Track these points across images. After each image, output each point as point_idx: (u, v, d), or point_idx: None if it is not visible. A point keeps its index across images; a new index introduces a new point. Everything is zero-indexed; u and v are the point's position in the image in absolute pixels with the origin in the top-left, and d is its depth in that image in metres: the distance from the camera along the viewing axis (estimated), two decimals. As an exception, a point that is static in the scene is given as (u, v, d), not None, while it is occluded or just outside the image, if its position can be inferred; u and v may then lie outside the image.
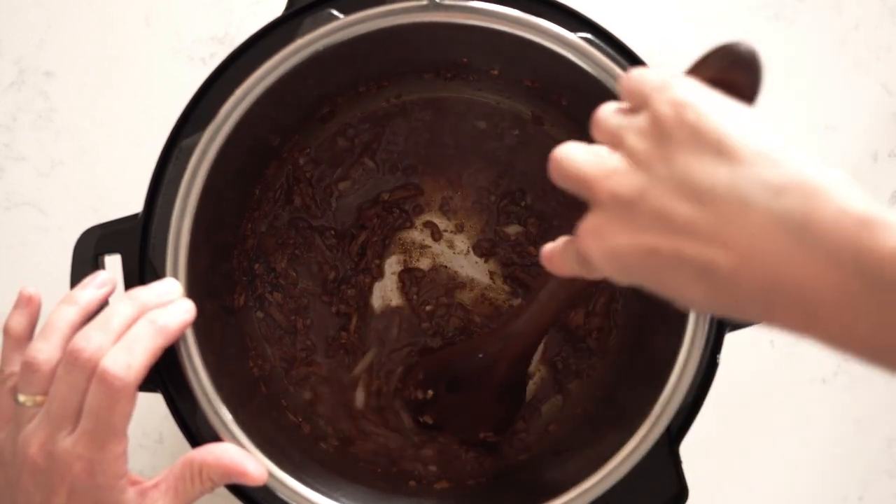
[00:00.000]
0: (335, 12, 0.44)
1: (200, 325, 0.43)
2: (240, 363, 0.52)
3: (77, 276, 0.44)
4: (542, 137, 0.56)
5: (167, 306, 0.40)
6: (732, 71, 0.31)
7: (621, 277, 0.32)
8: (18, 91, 0.62)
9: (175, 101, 0.46)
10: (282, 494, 0.43)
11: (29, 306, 0.41)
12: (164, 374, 0.43)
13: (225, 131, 0.44)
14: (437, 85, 0.55)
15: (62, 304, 0.40)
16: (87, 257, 0.44)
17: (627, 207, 0.30)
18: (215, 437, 0.43)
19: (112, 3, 0.63)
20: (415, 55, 0.50)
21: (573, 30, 0.44)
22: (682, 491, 0.43)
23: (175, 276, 0.43)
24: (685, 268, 0.29)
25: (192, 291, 0.43)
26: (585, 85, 0.44)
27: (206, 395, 0.43)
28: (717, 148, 0.28)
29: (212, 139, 0.43)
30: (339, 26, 0.44)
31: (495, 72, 0.52)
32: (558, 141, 0.54)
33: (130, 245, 0.44)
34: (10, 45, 0.63)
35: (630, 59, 0.45)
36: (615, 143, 0.32)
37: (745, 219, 0.27)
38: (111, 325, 0.38)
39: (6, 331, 0.40)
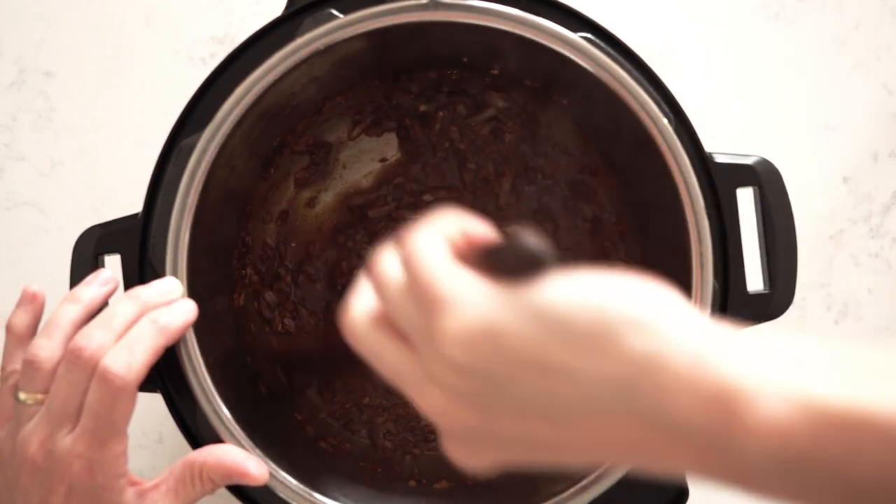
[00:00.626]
0: (335, 12, 0.44)
1: (200, 324, 0.43)
2: (240, 363, 0.52)
3: (77, 275, 0.44)
4: (542, 136, 0.56)
5: (169, 306, 0.40)
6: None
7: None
8: (18, 91, 0.62)
9: (175, 101, 0.46)
10: (282, 494, 0.43)
11: (32, 304, 0.41)
12: (164, 373, 0.43)
13: (224, 131, 0.44)
14: (435, 85, 0.55)
15: (64, 302, 0.40)
16: (87, 257, 0.44)
17: (472, 435, 0.28)
18: (215, 437, 0.43)
19: (112, 3, 0.63)
20: (415, 55, 0.50)
21: (573, 29, 0.44)
22: (682, 491, 0.43)
23: (174, 275, 0.43)
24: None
25: (191, 291, 0.43)
26: (586, 84, 0.44)
27: (205, 394, 0.43)
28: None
29: (211, 139, 0.43)
30: (339, 26, 0.44)
31: (495, 71, 0.52)
32: (557, 141, 0.55)
33: (130, 245, 0.44)
34: (10, 45, 0.63)
35: (630, 59, 0.45)
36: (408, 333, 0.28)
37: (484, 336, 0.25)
38: (112, 324, 0.38)
39: (9, 328, 0.40)
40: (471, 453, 0.29)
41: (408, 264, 0.27)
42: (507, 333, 0.25)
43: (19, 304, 0.41)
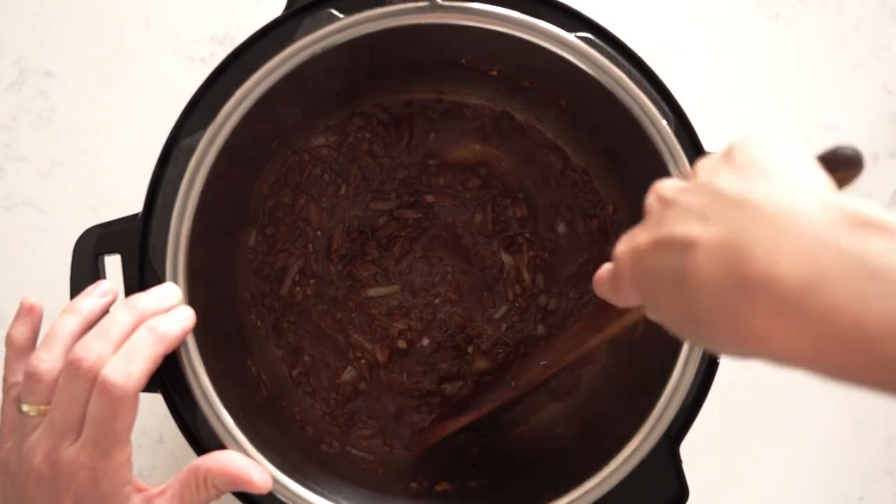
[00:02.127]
0: (335, 12, 0.44)
1: (200, 324, 0.43)
2: (240, 363, 0.52)
3: (77, 276, 0.44)
4: (538, 137, 0.56)
5: (167, 313, 0.40)
6: (836, 163, 0.30)
7: (634, 281, 0.31)
8: (18, 91, 0.62)
9: (175, 101, 0.46)
10: (283, 497, 0.43)
11: (31, 315, 0.41)
12: (165, 374, 0.43)
13: (225, 132, 0.44)
14: (435, 86, 0.55)
15: (64, 313, 0.40)
16: (87, 257, 0.44)
17: (663, 208, 0.30)
18: (215, 438, 0.43)
19: (112, 3, 0.63)
20: (414, 56, 0.50)
21: (574, 30, 0.44)
22: (682, 491, 0.43)
23: (174, 276, 0.43)
24: (675, 252, 0.28)
25: (191, 291, 0.43)
26: (584, 85, 0.44)
27: (205, 395, 0.43)
28: (755, 169, 0.28)
29: (212, 140, 0.43)
30: (339, 28, 0.44)
31: (494, 73, 0.52)
32: (555, 143, 0.55)
33: (130, 245, 0.44)
34: (10, 45, 0.62)
35: (631, 59, 0.45)
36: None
37: (738, 210, 0.26)
38: (111, 333, 0.38)
39: (9, 340, 0.40)
40: (639, 233, 0.30)
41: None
42: (775, 150, 0.28)
43: (18, 317, 0.41)
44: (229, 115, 0.44)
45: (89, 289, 0.41)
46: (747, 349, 0.26)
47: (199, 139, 0.44)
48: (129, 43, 0.62)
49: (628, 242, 0.32)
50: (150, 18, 0.63)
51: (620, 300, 0.35)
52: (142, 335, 0.38)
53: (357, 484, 0.48)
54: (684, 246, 0.27)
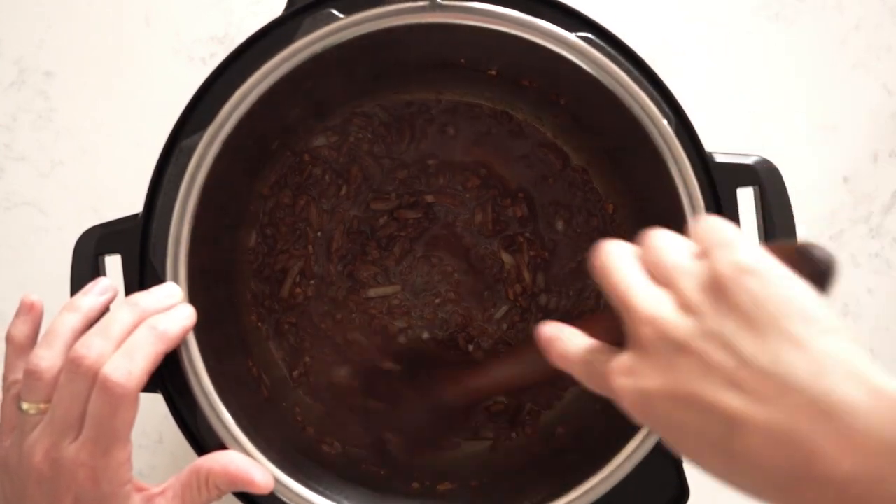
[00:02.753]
0: (335, 12, 0.44)
1: (201, 325, 0.43)
2: (240, 364, 0.52)
3: (77, 276, 0.44)
4: (538, 137, 0.56)
5: (168, 312, 0.40)
6: (802, 265, 0.30)
7: (643, 420, 0.32)
8: (18, 91, 0.62)
9: (175, 101, 0.46)
10: (284, 497, 0.43)
11: (31, 313, 0.41)
12: (165, 374, 0.43)
13: (224, 132, 0.44)
14: (434, 86, 0.55)
15: (64, 311, 0.40)
16: (87, 257, 0.44)
17: (671, 351, 0.30)
18: (215, 438, 0.43)
19: (112, 3, 0.63)
20: (414, 56, 0.50)
21: (574, 29, 0.44)
22: (683, 491, 0.43)
23: (175, 276, 0.43)
24: (713, 419, 0.28)
25: (192, 291, 0.43)
26: (584, 85, 0.44)
27: (206, 395, 0.43)
28: (769, 324, 0.28)
29: (211, 140, 0.43)
30: (338, 28, 0.44)
31: (493, 72, 0.52)
32: (555, 143, 0.55)
33: (131, 245, 0.44)
34: (10, 45, 0.62)
35: (631, 59, 0.44)
36: (666, 278, 0.31)
37: (784, 395, 0.27)
38: (111, 331, 0.38)
39: (9, 338, 0.40)
40: (646, 372, 0.30)
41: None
42: (772, 287, 0.29)
43: (18, 314, 0.41)
44: (229, 115, 0.43)
45: (89, 286, 0.41)
46: None
47: (199, 139, 0.43)
48: (129, 43, 0.62)
49: (630, 377, 0.31)
50: (150, 18, 0.63)
51: (592, 389, 0.35)
52: (142, 334, 0.38)
53: (359, 484, 0.48)
54: (727, 419, 0.28)
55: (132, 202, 0.46)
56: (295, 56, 0.44)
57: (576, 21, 0.45)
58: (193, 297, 0.43)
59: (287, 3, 0.46)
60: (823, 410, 0.26)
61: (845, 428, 0.26)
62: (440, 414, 0.53)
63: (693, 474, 0.44)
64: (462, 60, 0.51)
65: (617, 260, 0.33)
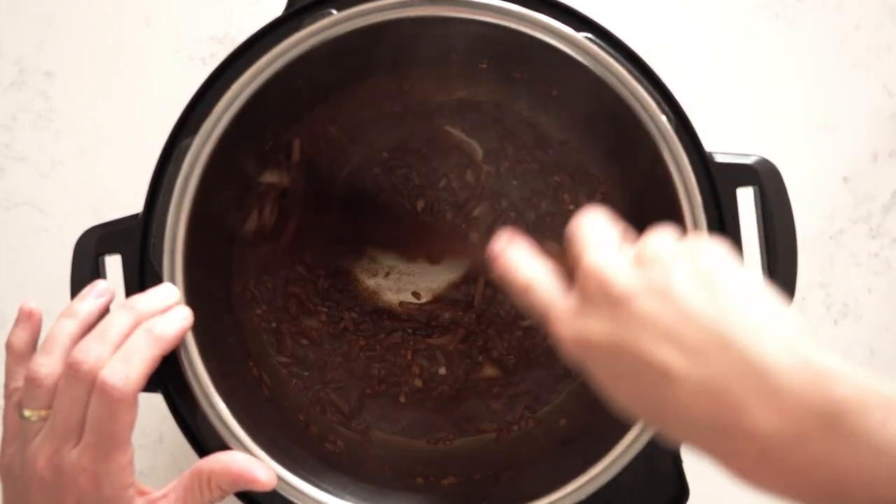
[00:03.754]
0: (335, 12, 0.44)
1: (201, 324, 0.43)
2: (241, 363, 0.52)
3: (77, 276, 0.44)
4: (527, 126, 0.56)
5: (164, 314, 0.40)
6: None
7: (577, 362, 0.33)
8: (18, 91, 0.62)
9: (175, 101, 0.46)
10: (288, 494, 0.43)
11: (30, 321, 0.41)
12: (165, 374, 0.43)
13: (218, 132, 0.43)
14: (427, 81, 0.55)
15: (62, 317, 0.40)
16: (87, 257, 0.44)
17: (616, 299, 0.31)
18: (216, 438, 0.43)
19: (112, 3, 0.63)
20: (406, 50, 0.49)
21: (573, 30, 0.44)
22: (683, 491, 0.43)
23: (173, 276, 0.43)
24: (647, 370, 0.30)
25: (191, 291, 0.43)
26: (576, 75, 0.44)
27: (206, 395, 0.43)
28: (721, 287, 0.31)
29: (206, 140, 0.43)
30: (330, 23, 0.43)
31: (483, 65, 0.52)
32: (548, 133, 0.55)
33: (131, 245, 0.44)
34: (10, 45, 0.63)
35: (631, 58, 0.44)
36: (635, 251, 0.33)
37: (721, 352, 0.29)
38: (108, 335, 0.38)
39: (8, 346, 0.40)
40: (589, 318, 0.32)
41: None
42: (717, 262, 0.32)
43: (17, 322, 0.41)
44: (221, 114, 0.43)
45: (85, 290, 0.41)
46: (723, 469, 0.30)
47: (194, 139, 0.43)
48: (129, 43, 0.62)
49: (573, 323, 0.33)
50: (150, 18, 0.63)
51: (529, 314, 0.37)
52: (139, 337, 0.38)
53: (362, 480, 0.48)
54: (662, 372, 0.30)
55: (132, 202, 0.46)
56: (287, 54, 0.44)
57: (575, 21, 0.45)
58: (191, 296, 0.43)
59: (287, 3, 0.46)
60: (755, 371, 0.28)
61: (773, 389, 0.28)
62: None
63: (694, 474, 0.44)
64: (452, 55, 0.51)
65: (595, 223, 0.35)
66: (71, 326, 0.40)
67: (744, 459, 0.29)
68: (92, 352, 0.37)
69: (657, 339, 0.30)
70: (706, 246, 0.32)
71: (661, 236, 0.33)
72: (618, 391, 0.32)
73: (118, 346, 0.38)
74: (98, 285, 0.42)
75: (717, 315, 0.30)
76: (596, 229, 0.35)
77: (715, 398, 0.29)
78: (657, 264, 0.32)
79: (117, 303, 0.42)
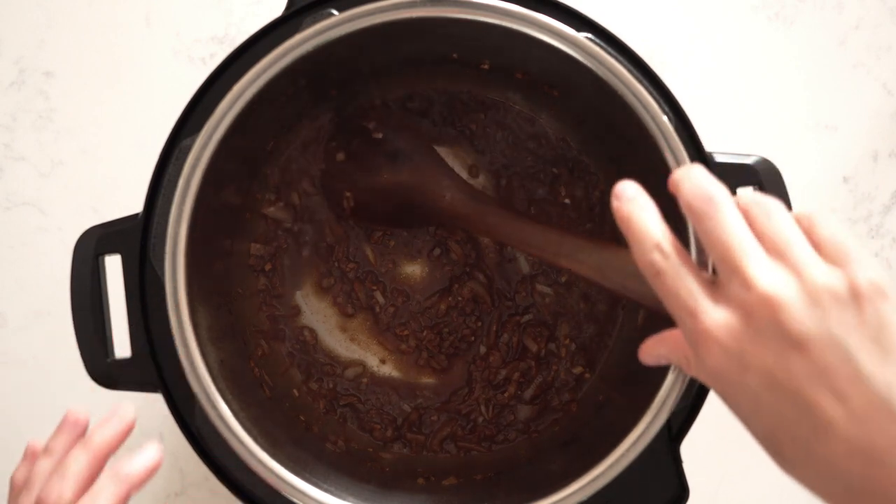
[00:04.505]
0: (335, 12, 0.44)
1: (200, 324, 0.43)
2: (241, 364, 0.52)
3: (77, 276, 0.44)
4: (528, 127, 0.56)
5: (132, 456, 0.39)
6: None
7: (714, 380, 0.32)
8: (18, 91, 0.62)
9: (175, 101, 0.46)
10: (289, 495, 0.42)
11: (34, 459, 0.40)
12: (164, 374, 0.43)
13: (220, 132, 0.43)
14: (427, 80, 0.55)
15: (41, 457, 0.39)
16: (87, 257, 0.44)
17: (788, 341, 0.29)
18: (216, 437, 0.43)
19: (112, 3, 0.63)
20: (406, 51, 0.50)
21: (575, 30, 0.44)
22: (682, 491, 0.43)
23: (174, 276, 0.43)
24: (806, 417, 0.29)
25: (191, 291, 0.43)
26: (578, 76, 0.44)
27: (206, 394, 0.42)
28: (887, 341, 0.29)
29: (207, 140, 0.43)
30: (331, 24, 0.43)
31: (486, 66, 0.52)
32: (549, 133, 0.55)
33: (130, 245, 0.44)
34: (10, 45, 0.63)
35: (630, 58, 0.45)
36: (782, 253, 0.30)
37: (889, 424, 0.28)
38: (67, 472, 0.38)
39: (12, 483, 0.40)
40: (752, 345, 0.30)
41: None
42: None
43: (24, 460, 0.41)
44: (224, 114, 0.43)
45: (60, 425, 0.41)
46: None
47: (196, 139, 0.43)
48: (130, 43, 0.63)
49: (733, 344, 0.30)
50: (150, 19, 0.63)
51: (650, 291, 0.33)
52: (104, 481, 0.38)
53: (363, 481, 0.48)
54: (822, 424, 0.29)
55: (132, 202, 0.46)
56: (288, 55, 0.43)
57: (575, 21, 0.45)
58: (192, 295, 0.43)
59: (287, 3, 0.46)
60: None
61: None
62: (402, 204, 0.53)
63: (693, 474, 0.44)
64: (454, 55, 0.51)
65: (723, 208, 0.31)
66: (48, 466, 0.39)
67: None
68: (52, 492, 0.37)
69: (826, 391, 0.29)
70: (878, 282, 0.29)
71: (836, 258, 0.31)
72: (758, 420, 0.31)
73: (79, 482, 0.38)
74: (68, 417, 0.41)
75: (886, 384, 0.28)
76: (734, 221, 0.31)
77: (871, 464, 0.28)
78: (834, 307, 0.29)
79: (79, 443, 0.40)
